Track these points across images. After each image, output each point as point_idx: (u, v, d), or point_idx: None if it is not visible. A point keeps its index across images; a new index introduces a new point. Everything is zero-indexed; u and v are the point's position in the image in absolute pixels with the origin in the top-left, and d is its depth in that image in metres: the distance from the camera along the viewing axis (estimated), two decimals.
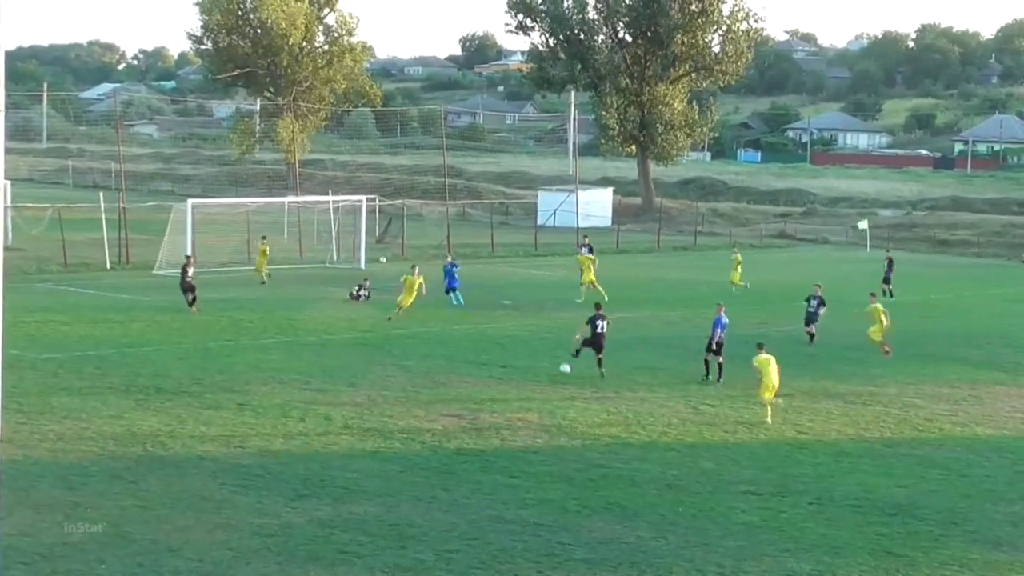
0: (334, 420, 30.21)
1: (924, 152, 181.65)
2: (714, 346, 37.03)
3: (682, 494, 24.97)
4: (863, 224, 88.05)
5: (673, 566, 20.81)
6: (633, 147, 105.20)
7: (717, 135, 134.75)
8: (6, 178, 73.37)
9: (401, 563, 20.44)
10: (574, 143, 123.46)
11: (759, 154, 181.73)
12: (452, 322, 46.26)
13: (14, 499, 22.19)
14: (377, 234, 77.67)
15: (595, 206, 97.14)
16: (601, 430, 30.18)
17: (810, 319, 44.50)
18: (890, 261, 60.20)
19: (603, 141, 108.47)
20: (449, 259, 54.94)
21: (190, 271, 47.85)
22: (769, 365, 32.43)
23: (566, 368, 36.99)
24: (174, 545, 20.87)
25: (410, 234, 75.12)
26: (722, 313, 37.57)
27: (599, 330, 37.01)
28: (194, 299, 47.04)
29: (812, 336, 44.05)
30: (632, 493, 24.88)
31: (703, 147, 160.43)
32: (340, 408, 31.46)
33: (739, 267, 59.39)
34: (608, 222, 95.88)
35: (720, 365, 36.80)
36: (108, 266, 61.34)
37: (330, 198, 72.71)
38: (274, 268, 58.33)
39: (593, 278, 53.22)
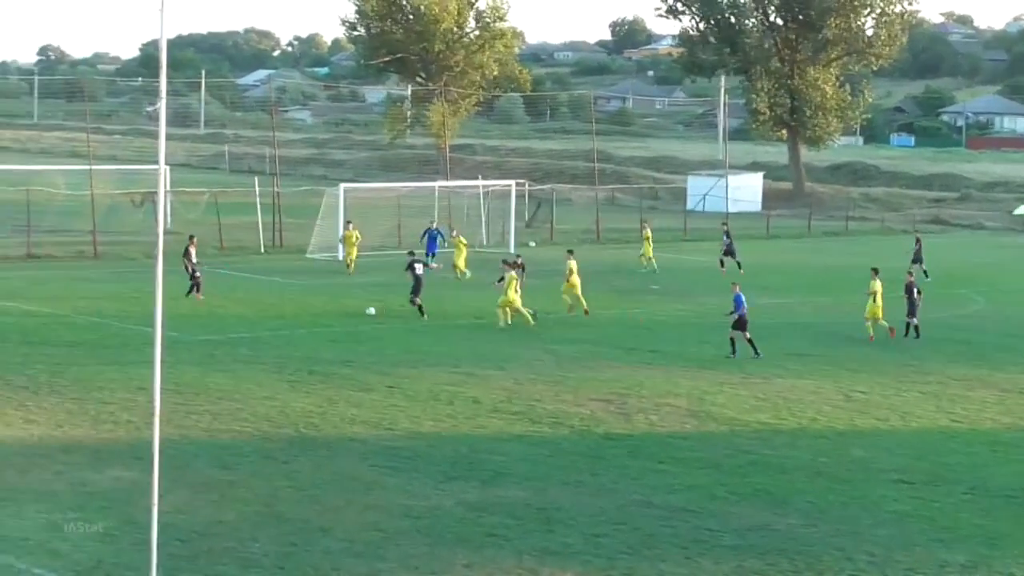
0: (483, 403, 30.39)
1: None
2: (738, 324, 37.48)
3: (832, 482, 24.71)
4: (1020, 209, 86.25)
5: (823, 554, 20.62)
6: (783, 131, 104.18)
7: (870, 117, 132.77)
8: (166, 163, 74.70)
9: (548, 547, 20.51)
10: (724, 128, 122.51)
11: (912, 138, 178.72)
12: (601, 307, 46.20)
13: (171, 478, 22.62)
14: (526, 218, 77.85)
15: (745, 191, 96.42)
16: (750, 416, 29.99)
17: (912, 310, 41.94)
18: (918, 240, 59.24)
19: (753, 125, 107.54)
20: (435, 224, 57.44)
21: (193, 252, 45.97)
22: (513, 281, 40.68)
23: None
24: (325, 525, 21.17)
25: (559, 218, 75.21)
26: (738, 290, 37.74)
27: (418, 272, 42.81)
28: (196, 286, 45.09)
29: (917, 328, 41.59)
30: (781, 480, 24.69)
31: (855, 131, 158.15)
32: (489, 391, 31.64)
33: (649, 242, 59.35)
34: (758, 207, 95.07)
35: (750, 340, 37.07)
36: (262, 249, 62.33)
37: (480, 182, 73.03)
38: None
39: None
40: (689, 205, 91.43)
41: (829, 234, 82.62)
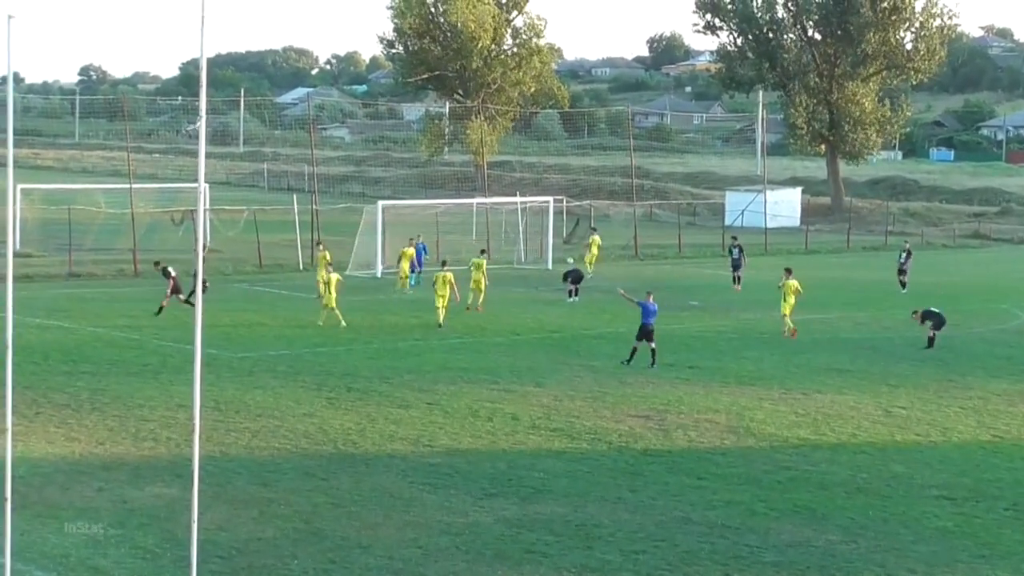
0: (521, 420, 30.39)
1: None
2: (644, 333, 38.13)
3: (872, 498, 24.60)
4: None
5: (864, 571, 20.51)
6: (822, 146, 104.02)
7: (909, 130, 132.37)
8: (205, 181, 75.05)
9: (588, 563, 20.48)
10: (762, 143, 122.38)
11: (952, 152, 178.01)
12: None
13: (211, 494, 22.73)
14: (564, 235, 77.87)
15: (784, 206, 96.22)
16: (789, 432, 29.89)
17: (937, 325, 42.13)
18: (908, 252, 58.99)
19: (792, 140, 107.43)
20: (420, 239, 58.25)
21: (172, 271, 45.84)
22: (447, 282, 43.79)
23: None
24: (364, 542, 21.20)
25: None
26: (651, 299, 38.36)
27: (173, 275, 44.66)
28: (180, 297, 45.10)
29: (930, 340, 41.84)
30: (821, 496, 24.59)
31: (894, 146, 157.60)
32: (527, 408, 31.63)
33: (595, 249, 62.18)
34: (797, 222, 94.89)
35: (653, 351, 37.51)
36: (301, 267, 62.51)
37: (518, 199, 73.12)
38: (463, 268, 58.34)
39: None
40: (727, 221, 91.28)
41: (868, 249, 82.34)
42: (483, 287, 48.65)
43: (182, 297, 44.79)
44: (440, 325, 43.97)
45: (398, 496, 23.86)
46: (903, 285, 57.17)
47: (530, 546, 21.20)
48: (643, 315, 38.05)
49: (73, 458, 26.10)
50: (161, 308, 44.76)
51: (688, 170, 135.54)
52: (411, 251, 55.37)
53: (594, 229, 65.16)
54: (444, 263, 46.28)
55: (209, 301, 46.35)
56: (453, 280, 44.64)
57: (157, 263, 47.86)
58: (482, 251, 53.53)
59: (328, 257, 51.05)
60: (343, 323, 43.22)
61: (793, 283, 43.96)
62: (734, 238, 62.26)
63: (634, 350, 37.86)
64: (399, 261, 55.14)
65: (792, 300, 43.83)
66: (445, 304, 44.32)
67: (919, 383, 36.10)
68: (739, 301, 52.88)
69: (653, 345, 37.65)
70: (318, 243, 55.49)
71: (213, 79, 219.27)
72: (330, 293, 43.65)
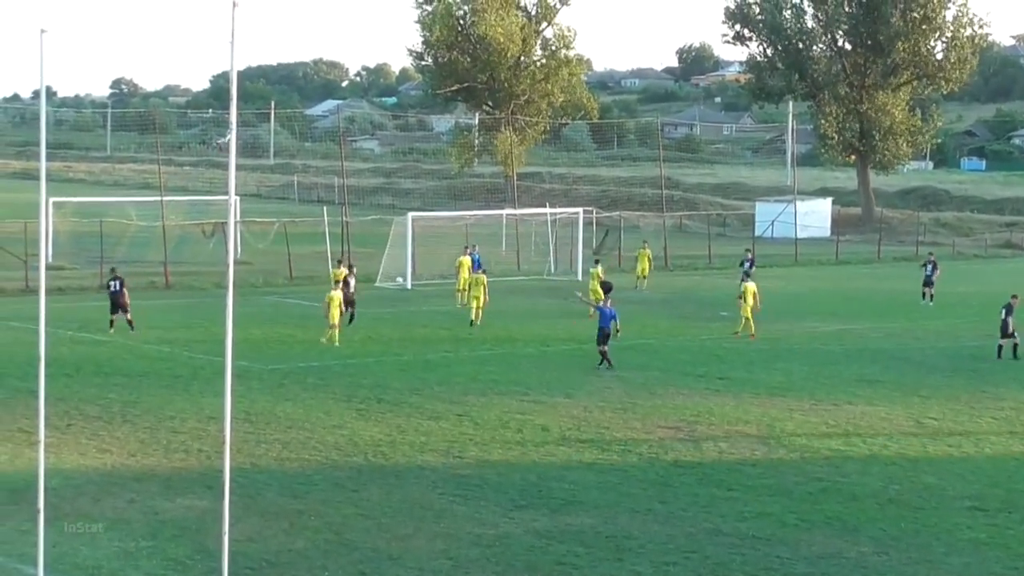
0: (551, 431, 30.37)
1: None
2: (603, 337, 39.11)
3: (904, 509, 24.49)
4: None
5: None
6: (852, 157, 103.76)
7: (940, 141, 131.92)
8: (236, 194, 75.13)
9: (618, 575, 20.45)
10: (792, 153, 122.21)
11: (983, 162, 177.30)
12: (669, 333, 46.14)
13: (242, 506, 22.77)
14: (594, 246, 77.82)
15: (814, 217, 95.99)
16: (820, 443, 29.80)
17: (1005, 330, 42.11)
18: (934, 263, 58.28)
19: (822, 151, 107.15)
20: (475, 250, 58.66)
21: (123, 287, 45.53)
22: (480, 283, 47.06)
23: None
24: (395, 553, 21.21)
25: (627, 245, 75.05)
26: (609, 305, 39.80)
27: (112, 289, 44.77)
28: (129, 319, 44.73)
29: (1015, 347, 41.78)
30: (852, 507, 24.49)
31: (925, 156, 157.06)
32: (557, 419, 31.61)
33: (647, 261, 62.92)
34: (827, 233, 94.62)
35: (603, 352, 38.67)
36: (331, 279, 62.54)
37: (547, 210, 73.14)
38: (493, 280, 58.30)
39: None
40: (757, 231, 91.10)
41: (899, 260, 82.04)
42: (599, 295, 49.48)
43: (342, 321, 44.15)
44: (473, 323, 46.52)
45: (428, 507, 23.87)
46: (930, 297, 56.82)
47: (560, 558, 21.18)
48: (600, 319, 38.98)
49: (105, 470, 26.20)
50: (351, 317, 46.21)
51: (718, 181, 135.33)
52: (468, 260, 55.18)
53: (644, 242, 65.22)
54: (480, 266, 50.43)
55: (240, 313, 46.48)
56: (486, 282, 47.89)
57: (341, 262, 51.35)
58: (596, 260, 56.06)
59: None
60: (336, 342, 42.70)
61: (751, 286, 46.07)
62: (747, 250, 61.69)
63: (603, 354, 38.51)
64: (457, 272, 54.85)
65: (751, 301, 45.44)
66: (480, 305, 47.19)
67: (951, 394, 35.96)
68: (768, 312, 52.68)
69: (605, 348, 38.53)
70: (340, 261, 55.21)
71: (244, 92, 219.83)
72: (335, 310, 43.30)
